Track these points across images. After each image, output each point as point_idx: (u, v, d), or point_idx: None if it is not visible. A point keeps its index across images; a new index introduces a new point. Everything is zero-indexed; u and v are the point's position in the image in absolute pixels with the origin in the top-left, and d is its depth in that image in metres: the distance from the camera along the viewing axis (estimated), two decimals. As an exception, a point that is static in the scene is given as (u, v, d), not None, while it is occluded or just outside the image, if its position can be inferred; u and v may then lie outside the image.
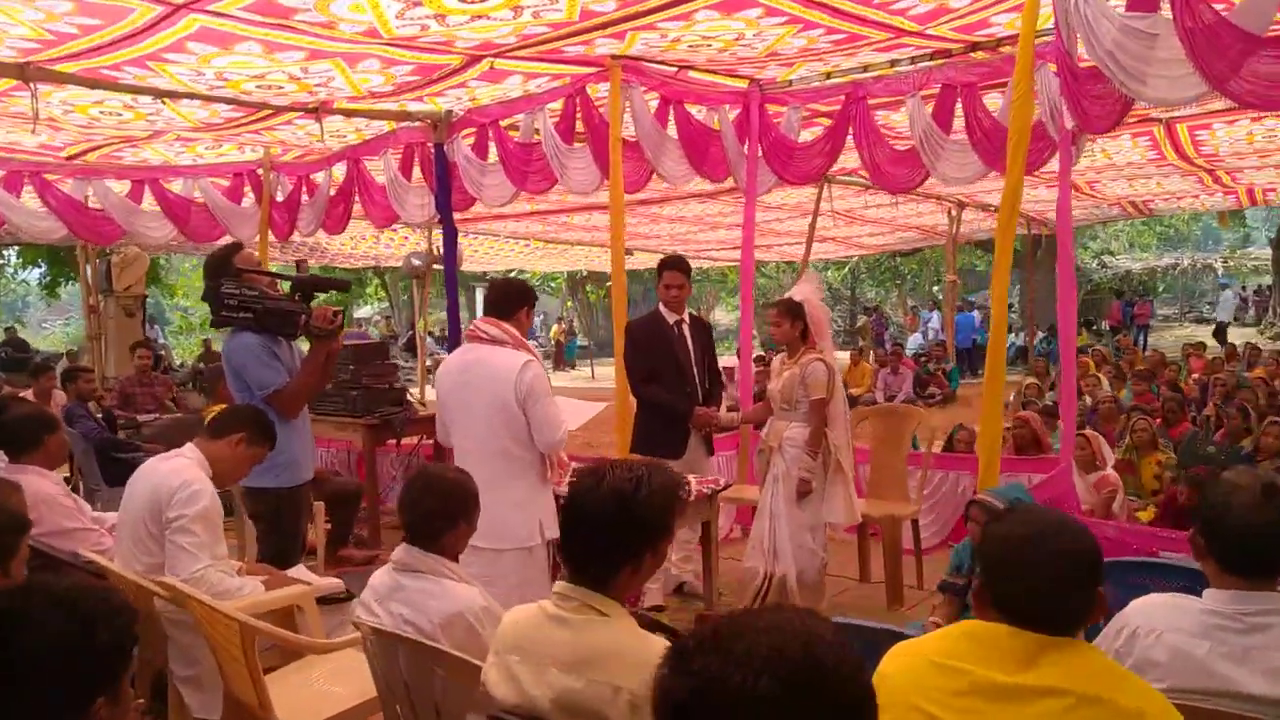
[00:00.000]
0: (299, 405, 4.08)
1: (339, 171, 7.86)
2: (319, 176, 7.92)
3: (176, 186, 8.09)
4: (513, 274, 27.72)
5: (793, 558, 4.81)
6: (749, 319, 6.84)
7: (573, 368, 26.40)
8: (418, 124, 6.91)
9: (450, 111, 6.78)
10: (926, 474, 5.50)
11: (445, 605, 2.49)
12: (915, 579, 5.34)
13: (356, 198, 7.65)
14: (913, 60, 5.89)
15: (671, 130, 6.21)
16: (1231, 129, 8.63)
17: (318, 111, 6.15)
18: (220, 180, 8.23)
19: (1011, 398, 12.93)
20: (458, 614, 2.47)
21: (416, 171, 7.23)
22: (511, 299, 3.83)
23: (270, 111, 6.14)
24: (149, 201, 8.11)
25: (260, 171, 8.03)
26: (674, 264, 5.23)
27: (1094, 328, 23.15)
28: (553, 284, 32.10)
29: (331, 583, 3.67)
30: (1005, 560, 1.74)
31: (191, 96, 5.59)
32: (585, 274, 27.65)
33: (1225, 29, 3.92)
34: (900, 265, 30.09)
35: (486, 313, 3.83)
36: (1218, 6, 3.76)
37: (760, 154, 6.51)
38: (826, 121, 6.85)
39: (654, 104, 6.11)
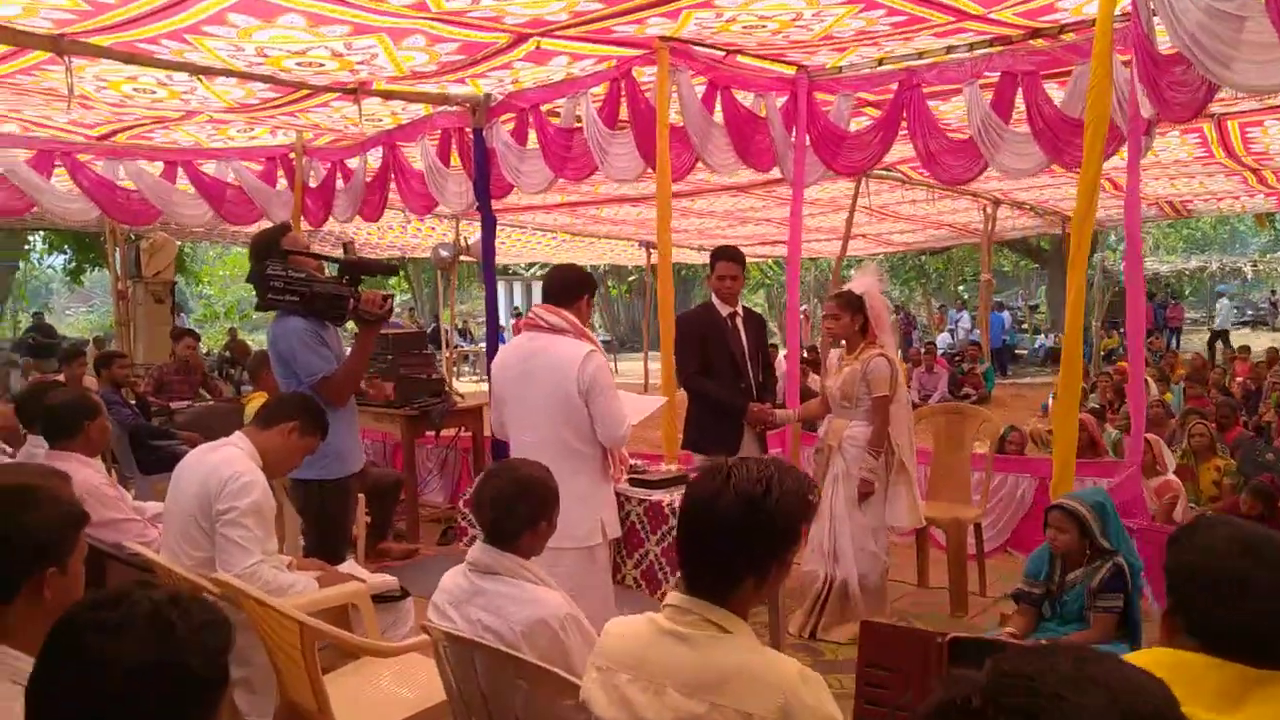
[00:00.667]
0: (348, 393, 3.92)
1: (373, 157, 7.70)
2: (353, 162, 7.76)
3: (209, 169, 7.96)
4: (533, 268, 27.51)
5: (854, 561, 4.63)
6: (795, 314, 6.65)
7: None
8: (455, 108, 6.76)
9: (489, 95, 6.61)
10: (990, 476, 5.29)
11: (529, 611, 2.31)
12: (978, 585, 5.14)
13: (393, 184, 7.50)
14: (971, 47, 5.70)
15: (717, 117, 6.04)
16: (1286, 125, 8.39)
17: (356, 93, 5.99)
18: (252, 165, 8.09)
19: (1050, 399, 12.75)
20: (542, 621, 2.29)
21: (454, 159, 7.07)
22: (572, 286, 3.66)
23: (308, 92, 5.98)
24: (181, 183, 7.98)
25: (293, 156, 7.89)
26: (728, 254, 5.04)
27: (1123, 329, 22.85)
28: (573, 278, 31.83)
29: (385, 580, 3.51)
30: (1208, 580, 1.52)
31: (228, 74, 5.44)
32: (606, 269, 27.43)
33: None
34: (926, 264, 29.76)
35: (545, 300, 3.66)
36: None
37: (808, 143, 6.33)
38: (874, 112, 6.65)
39: (700, 89, 5.92)
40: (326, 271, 4.02)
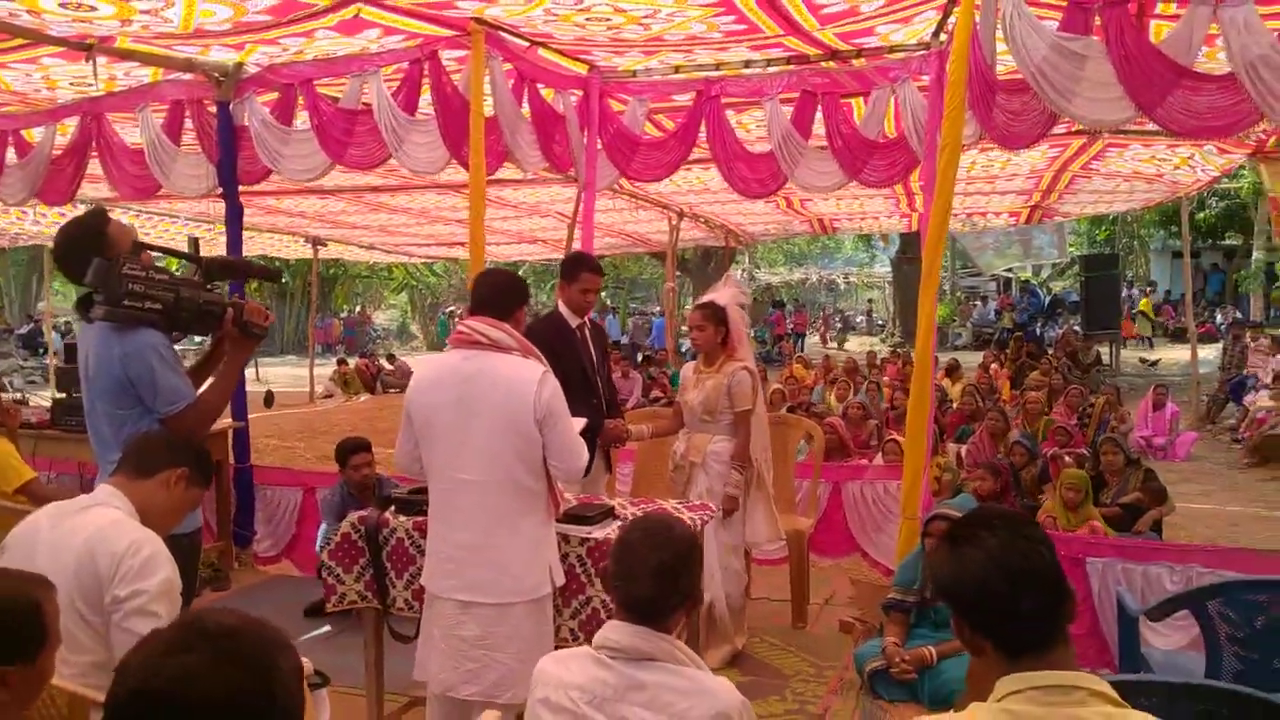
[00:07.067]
0: (210, 424, 3.09)
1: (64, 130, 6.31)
2: (36, 133, 6.32)
3: None
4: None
5: (720, 582, 4.46)
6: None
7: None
8: (189, 77, 5.71)
9: (241, 65, 5.66)
10: (816, 483, 5.35)
11: (707, 705, 1.83)
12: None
13: (96, 162, 6.20)
14: (768, 64, 5.79)
15: (524, 110, 5.63)
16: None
17: (92, 49, 4.84)
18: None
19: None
20: (723, 716, 1.85)
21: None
22: (508, 294, 3.12)
23: (24, 42, 4.73)
24: None
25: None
26: (595, 266, 4.62)
27: (757, 336, 24.97)
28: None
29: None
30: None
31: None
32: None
33: (1155, 58, 4.15)
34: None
35: (476, 311, 3.09)
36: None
37: (600, 146, 6.10)
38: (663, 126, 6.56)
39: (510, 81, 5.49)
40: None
